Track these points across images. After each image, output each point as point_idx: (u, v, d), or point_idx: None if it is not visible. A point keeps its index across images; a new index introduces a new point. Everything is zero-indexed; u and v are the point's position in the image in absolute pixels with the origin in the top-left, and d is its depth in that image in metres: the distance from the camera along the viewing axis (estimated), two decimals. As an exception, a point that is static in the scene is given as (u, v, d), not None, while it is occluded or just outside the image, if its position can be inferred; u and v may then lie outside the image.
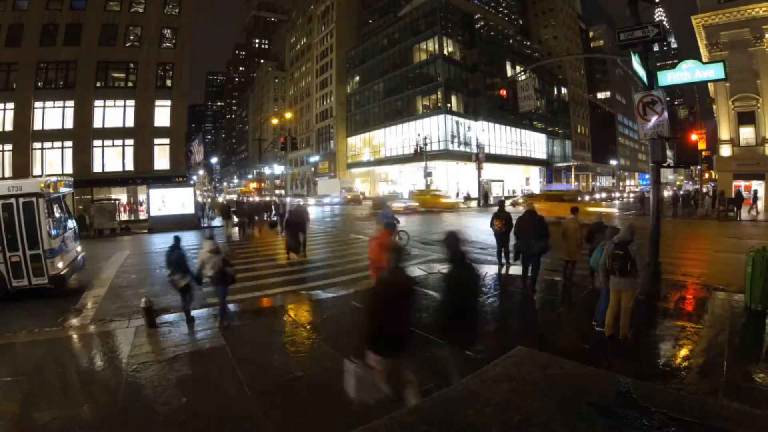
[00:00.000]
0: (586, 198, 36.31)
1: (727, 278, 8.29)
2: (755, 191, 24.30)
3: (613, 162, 78.61)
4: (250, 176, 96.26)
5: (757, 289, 6.20)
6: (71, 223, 10.46)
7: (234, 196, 51.99)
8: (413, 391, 3.74)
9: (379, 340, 3.38)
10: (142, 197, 27.10)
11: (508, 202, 40.53)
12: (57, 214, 9.48)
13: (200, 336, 5.95)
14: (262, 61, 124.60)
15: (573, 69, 73.39)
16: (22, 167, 26.24)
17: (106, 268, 11.71)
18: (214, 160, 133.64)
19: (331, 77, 64.26)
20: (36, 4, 26.56)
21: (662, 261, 7.19)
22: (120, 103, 28.40)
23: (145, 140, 28.62)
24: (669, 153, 7.72)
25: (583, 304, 7.00)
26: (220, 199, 41.64)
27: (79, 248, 10.67)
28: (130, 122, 28.51)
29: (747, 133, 25.62)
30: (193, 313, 7.11)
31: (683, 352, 5.12)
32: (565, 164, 64.73)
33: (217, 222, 25.84)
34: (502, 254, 10.04)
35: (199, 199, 28.12)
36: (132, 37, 28.93)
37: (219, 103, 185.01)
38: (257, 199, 31.54)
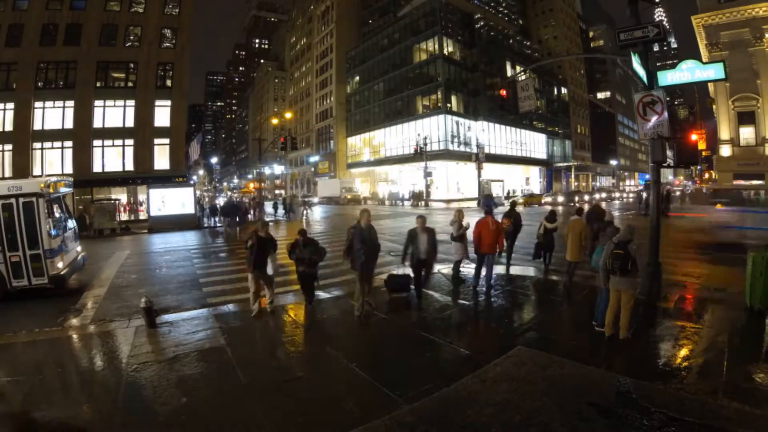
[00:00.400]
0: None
1: (727, 278, 8.29)
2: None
3: (613, 162, 78.61)
4: (250, 176, 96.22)
5: (757, 289, 6.20)
6: (71, 223, 10.45)
7: (236, 196, 52.10)
8: None
9: None
10: (142, 197, 27.10)
11: (507, 202, 40.55)
12: (57, 214, 9.47)
13: (200, 336, 5.95)
14: (262, 61, 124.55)
15: (573, 69, 73.39)
16: (22, 167, 26.23)
17: (106, 268, 11.71)
18: (214, 160, 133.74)
19: (331, 77, 64.26)
20: (36, 4, 26.56)
21: (662, 261, 7.19)
22: (120, 103, 28.40)
23: (145, 140, 28.62)
24: (669, 153, 7.71)
25: (583, 304, 7.00)
26: (220, 200, 41.78)
27: (79, 248, 10.66)
28: (130, 122, 28.51)
29: (747, 133, 25.64)
30: (193, 313, 7.11)
31: (683, 352, 5.11)
32: (565, 164, 64.71)
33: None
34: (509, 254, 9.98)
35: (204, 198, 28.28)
36: (132, 37, 28.93)
37: (219, 103, 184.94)
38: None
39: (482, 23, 51.24)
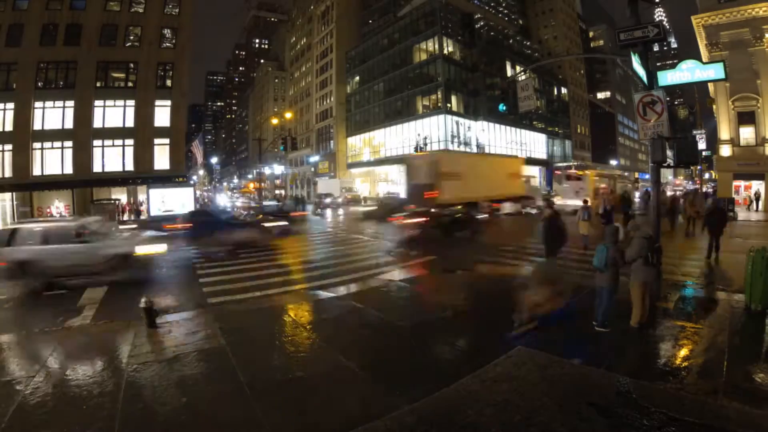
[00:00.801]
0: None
1: (727, 278, 8.29)
2: (757, 191, 24.44)
3: (613, 162, 78.55)
4: (250, 176, 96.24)
5: (757, 289, 6.20)
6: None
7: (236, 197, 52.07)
8: None
9: None
10: (142, 197, 27.11)
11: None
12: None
13: (200, 336, 5.95)
14: (262, 61, 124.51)
15: (573, 69, 73.38)
16: (22, 167, 26.26)
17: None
18: (214, 160, 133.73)
19: (331, 77, 64.24)
20: (36, 4, 26.56)
21: (662, 261, 7.18)
22: (120, 103, 28.41)
23: (145, 140, 28.63)
24: (669, 153, 7.71)
25: (583, 304, 7.00)
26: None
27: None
28: (130, 122, 28.52)
29: (747, 133, 25.63)
30: (193, 313, 7.10)
31: (683, 352, 5.11)
32: (565, 164, 64.63)
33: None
34: None
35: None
36: (132, 37, 28.94)
37: (219, 103, 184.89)
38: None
39: (482, 23, 51.23)
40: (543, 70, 58.74)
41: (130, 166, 28.56)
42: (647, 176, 65.98)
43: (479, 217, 17.59)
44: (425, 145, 38.18)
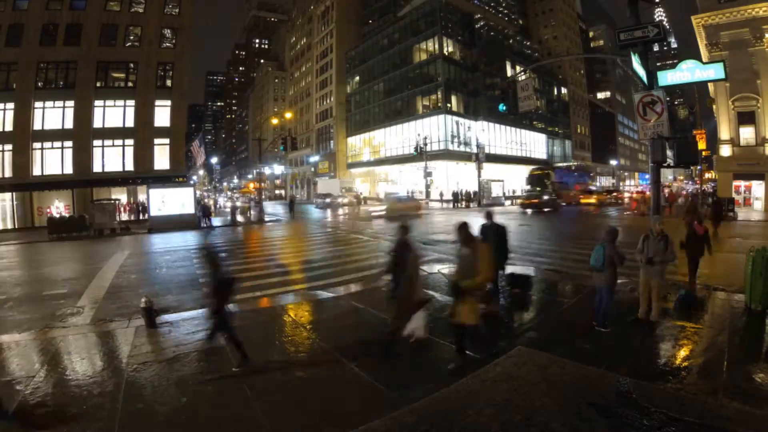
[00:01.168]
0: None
1: (727, 278, 8.29)
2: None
3: (613, 162, 78.64)
4: (250, 176, 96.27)
5: (757, 289, 6.20)
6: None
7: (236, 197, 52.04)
8: None
9: None
10: (142, 197, 27.12)
11: (508, 202, 40.58)
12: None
13: (200, 336, 5.94)
14: (262, 61, 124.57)
15: (573, 69, 73.41)
16: (22, 167, 26.27)
17: (106, 268, 11.71)
18: (214, 160, 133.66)
19: (331, 77, 64.27)
20: (36, 4, 26.57)
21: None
22: (120, 103, 28.42)
23: (145, 140, 28.64)
24: (669, 153, 7.71)
25: (583, 304, 7.01)
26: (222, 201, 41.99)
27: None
28: (130, 122, 28.54)
29: (747, 133, 25.64)
30: (193, 313, 7.10)
31: (683, 352, 5.11)
32: (565, 164, 64.72)
33: (217, 221, 25.88)
34: None
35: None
36: (132, 37, 28.95)
37: (219, 103, 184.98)
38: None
39: (482, 23, 51.26)
40: (543, 70, 58.80)
41: (130, 166, 28.57)
42: (647, 176, 66.05)
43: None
44: (425, 145, 38.16)
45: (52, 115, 27.18)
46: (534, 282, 8.31)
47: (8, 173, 26.24)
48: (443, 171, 45.06)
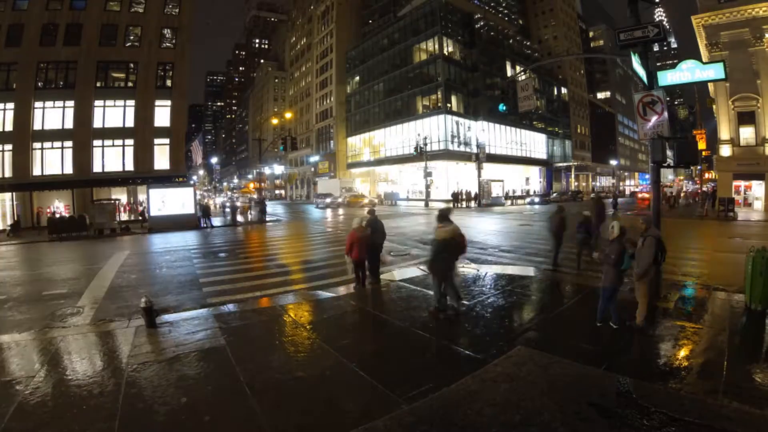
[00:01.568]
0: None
1: (727, 278, 8.29)
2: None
3: (613, 162, 78.65)
4: (250, 176, 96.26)
5: (757, 289, 6.20)
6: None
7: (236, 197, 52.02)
8: None
9: None
10: (142, 197, 27.12)
11: (508, 202, 40.62)
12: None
13: (200, 336, 5.95)
14: (262, 61, 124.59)
15: (573, 69, 73.40)
16: (22, 167, 26.26)
17: (106, 268, 11.71)
18: (214, 160, 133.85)
19: (331, 77, 64.27)
20: (36, 4, 26.57)
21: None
22: (120, 103, 28.41)
23: (145, 140, 28.63)
24: (669, 153, 7.71)
25: (583, 304, 7.01)
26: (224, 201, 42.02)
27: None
28: (130, 122, 28.53)
29: (747, 133, 25.65)
30: (193, 313, 7.10)
31: (683, 352, 5.11)
32: (565, 164, 64.77)
33: (217, 221, 25.87)
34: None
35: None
36: (132, 37, 28.94)
37: (219, 103, 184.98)
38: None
39: (482, 23, 51.24)
40: (543, 70, 58.79)
41: (130, 166, 28.56)
42: (647, 176, 66.19)
43: None
44: (425, 145, 38.17)
45: (52, 115, 27.17)
46: (534, 282, 8.31)
47: (8, 173, 26.23)
48: (443, 171, 45.07)
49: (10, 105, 26.26)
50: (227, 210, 29.21)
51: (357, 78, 59.86)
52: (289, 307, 7.42)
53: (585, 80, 78.41)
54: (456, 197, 36.98)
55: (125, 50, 28.59)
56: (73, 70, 27.33)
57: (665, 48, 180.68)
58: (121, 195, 27.99)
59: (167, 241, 17.91)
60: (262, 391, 4.30)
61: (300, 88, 78.06)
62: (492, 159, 44.70)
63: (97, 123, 27.84)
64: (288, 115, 64.06)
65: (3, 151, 26.32)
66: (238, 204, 31.62)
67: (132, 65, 28.79)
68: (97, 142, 27.85)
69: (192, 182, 34.32)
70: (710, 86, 28.03)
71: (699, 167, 36.72)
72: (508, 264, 10.80)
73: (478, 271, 9.71)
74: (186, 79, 30.54)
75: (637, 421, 3.23)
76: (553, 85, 64.29)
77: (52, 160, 27.30)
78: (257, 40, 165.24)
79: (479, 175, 38.10)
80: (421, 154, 38.06)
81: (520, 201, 44.37)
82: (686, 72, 7.18)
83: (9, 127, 26.31)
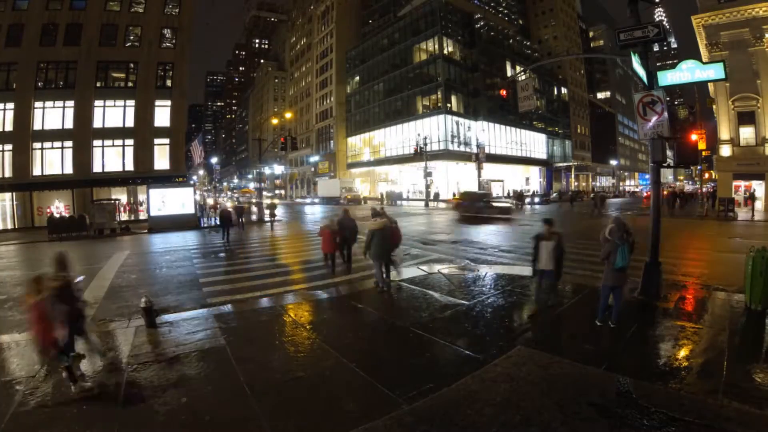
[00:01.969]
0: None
1: (727, 278, 8.29)
2: (754, 191, 24.52)
3: (613, 162, 78.67)
4: (250, 176, 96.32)
5: (757, 289, 6.20)
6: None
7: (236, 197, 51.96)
8: None
9: None
10: (142, 197, 27.12)
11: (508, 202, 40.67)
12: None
13: (200, 336, 5.95)
14: (262, 61, 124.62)
15: (573, 69, 73.40)
16: (22, 167, 26.26)
17: (106, 268, 11.71)
18: (214, 160, 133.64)
19: (331, 77, 64.28)
20: (36, 4, 26.57)
21: (662, 261, 7.19)
22: (120, 103, 28.42)
23: (145, 140, 28.63)
24: (669, 153, 7.71)
25: (583, 304, 7.01)
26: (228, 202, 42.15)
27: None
28: (130, 122, 28.53)
29: (747, 133, 25.65)
30: (193, 313, 7.10)
31: (683, 352, 5.11)
32: (565, 164, 64.77)
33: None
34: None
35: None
36: (132, 37, 28.94)
37: (219, 103, 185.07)
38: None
39: (482, 23, 51.26)
40: (543, 70, 58.78)
41: (130, 166, 28.56)
42: (647, 176, 66.21)
43: None
44: (425, 145, 38.17)
45: (52, 115, 27.17)
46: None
47: (8, 173, 26.24)
48: (443, 171, 45.08)
49: (10, 105, 26.26)
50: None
51: (357, 78, 59.87)
52: (289, 307, 7.42)
53: (585, 80, 78.42)
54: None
55: (125, 50, 28.59)
56: (73, 70, 27.33)
57: (665, 48, 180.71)
58: (121, 195, 27.99)
59: (167, 241, 17.91)
60: (262, 391, 4.30)
61: (300, 88, 78.07)
62: (492, 159, 44.71)
63: (97, 123, 27.85)
64: (288, 115, 64.08)
65: (3, 151, 26.32)
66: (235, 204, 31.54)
67: (132, 65, 28.79)
68: (97, 142, 27.85)
69: (192, 182, 34.33)
70: (710, 86, 28.02)
71: (699, 167, 36.67)
72: (508, 264, 10.80)
73: (478, 271, 9.71)
74: (186, 79, 30.54)
75: (637, 421, 3.23)
76: (553, 85, 64.29)
77: (52, 160, 27.30)
78: (257, 40, 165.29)
79: (479, 175, 38.09)
80: (421, 154, 38.06)
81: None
82: (686, 72, 7.18)
83: (9, 127, 26.31)
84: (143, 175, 27.99)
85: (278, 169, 77.12)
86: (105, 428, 3.69)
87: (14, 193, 26.40)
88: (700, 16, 26.27)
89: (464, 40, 49.02)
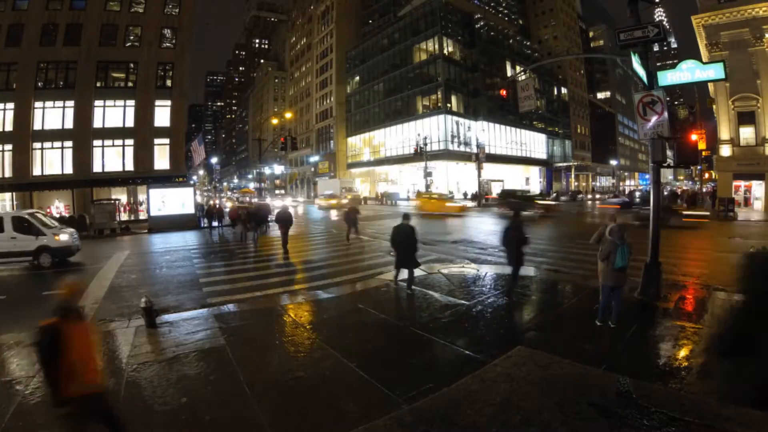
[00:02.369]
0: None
1: (727, 278, 8.28)
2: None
3: (613, 162, 78.65)
4: (250, 176, 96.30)
5: (757, 289, 6.18)
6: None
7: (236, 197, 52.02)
8: None
9: None
10: (142, 197, 27.11)
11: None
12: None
13: (200, 336, 5.95)
14: (262, 61, 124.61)
15: (573, 69, 73.39)
16: (22, 167, 26.25)
17: (106, 268, 11.71)
18: (214, 160, 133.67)
19: (331, 77, 64.27)
20: (36, 4, 26.55)
21: (662, 261, 7.19)
22: (120, 103, 28.40)
23: (145, 140, 28.62)
24: (669, 153, 7.71)
25: (583, 303, 7.01)
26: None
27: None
28: (130, 122, 28.51)
29: (747, 133, 25.63)
30: (193, 313, 7.10)
31: (683, 352, 5.12)
32: (565, 164, 64.76)
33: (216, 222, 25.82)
34: None
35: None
36: (132, 37, 28.93)
37: (219, 103, 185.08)
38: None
39: (482, 23, 51.26)
40: (543, 70, 58.79)
41: (130, 166, 28.55)
42: (648, 176, 66.12)
43: None
44: (425, 145, 38.17)
45: (52, 115, 27.16)
46: (534, 282, 8.31)
47: (8, 173, 26.22)
48: (443, 171, 45.07)
49: (10, 105, 26.24)
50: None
51: (357, 78, 59.86)
52: (288, 307, 7.42)
53: (585, 80, 78.42)
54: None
55: (125, 50, 28.57)
56: (73, 70, 27.31)
57: (665, 48, 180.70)
58: (121, 195, 27.98)
59: (167, 241, 17.91)
60: (262, 391, 4.30)
61: (300, 88, 78.07)
62: (492, 159, 44.71)
63: (97, 123, 27.83)
64: (288, 115, 64.10)
65: (3, 151, 26.31)
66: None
67: (132, 65, 28.77)
68: (97, 142, 27.84)
69: (192, 182, 34.33)
70: (710, 86, 28.01)
71: (699, 167, 36.66)
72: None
73: (478, 271, 9.71)
74: (186, 79, 30.54)
75: (637, 421, 3.23)
76: (553, 85, 64.29)
77: (52, 160, 27.29)
78: (257, 40, 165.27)
79: (479, 175, 38.09)
80: (421, 154, 38.07)
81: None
82: (686, 72, 7.18)
83: (9, 127, 26.29)
84: (143, 175, 27.98)
85: (278, 169, 77.11)
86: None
87: (14, 193, 26.39)
88: (700, 16, 26.26)
89: (464, 40, 49.02)
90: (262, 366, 4.93)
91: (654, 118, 6.97)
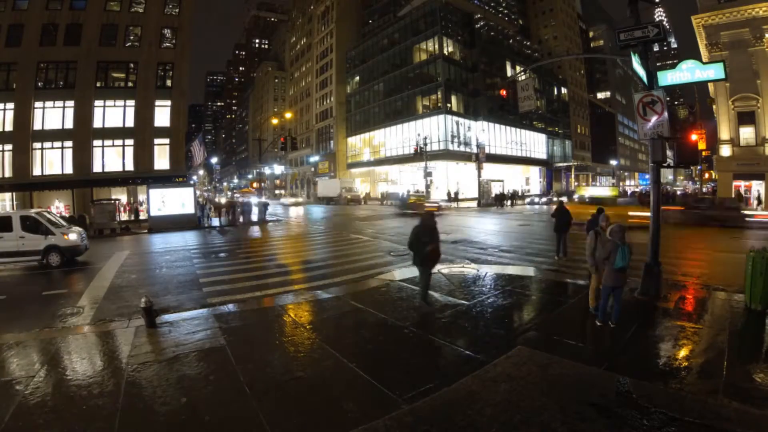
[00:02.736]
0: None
1: (727, 278, 8.29)
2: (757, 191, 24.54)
3: (613, 162, 78.64)
4: (250, 176, 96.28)
5: (757, 289, 6.20)
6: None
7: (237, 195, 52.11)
8: None
9: None
10: (142, 197, 27.10)
11: (507, 203, 40.62)
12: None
13: (200, 336, 5.95)
14: (262, 61, 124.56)
15: (573, 69, 73.40)
16: (22, 167, 26.24)
17: (105, 268, 11.71)
18: (214, 160, 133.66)
19: (331, 77, 64.25)
20: (36, 4, 26.54)
21: (662, 261, 7.19)
22: (120, 103, 28.39)
23: (145, 140, 28.61)
24: (669, 153, 7.71)
25: (583, 303, 7.01)
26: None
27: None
28: (130, 122, 28.50)
29: (747, 133, 25.63)
30: (193, 313, 7.10)
31: (683, 352, 5.11)
32: (565, 164, 64.75)
33: (216, 221, 25.84)
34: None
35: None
36: (132, 37, 28.92)
37: (219, 103, 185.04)
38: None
39: (482, 23, 51.24)
40: (543, 70, 58.78)
41: (130, 166, 28.54)
42: (648, 176, 66.05)
43: None
44: (425, 145, 38.17)
45: (52, 115, 27.14)
46: (534, 281, 8.31)
47: (8, 173, 26.21)
48: (443, 171, 45.06)
49: (10, 105, 26.22)
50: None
51: (357, 78, 59.85)
52: (288, 307, 7.42)
53: (585, 80, 78.42)
54: (452, 197, 37.51)
55: (125, 50, 28.56)
56: (73, 70, 27.30)
57: (665, 48, 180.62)
58: (121, 195, 27.98)
59: (167, 241, 17.91)
60: (262, 391, 4.30)
61: (300, 88, 78.04)
62: (492, 159, 44.70)
63: (97, 123, 27.81)
64: (288, 115, 64.08)
65: (3, 151, 26.29)
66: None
67: (132, 65, 28.76)
68: (97, 142, 27.83)
69: (192, 182, 34.31)
70: (710, 86, 28.02)
71: (699, 167, 36.68)
72: (508, 264, 10.80)
73: (478, 271, 9.71)
74: (186, 79, 30.52)
75: (637, 421, 3.23)
76: (553, 85, 64.27)
77: (52, 160, 27.28)
78: (257, 40, 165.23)
79: (479, 175, 38.09)
80: (421, 154, 38.06)
81: (519, 201, 44.25)
82: (686, 72, 7.18)
83: (9, 127, 26.27)
84: (143, 175, 27.97)
85: (278, 169, 77.09)
86: (105, 428, 3.69)
87: (14, 193, 26.38)
88: (700, 16, 26.26)
89: (464, 40, 49.00)
90: (262, 366, 4.93)
91: (654, 118, 6.97)
